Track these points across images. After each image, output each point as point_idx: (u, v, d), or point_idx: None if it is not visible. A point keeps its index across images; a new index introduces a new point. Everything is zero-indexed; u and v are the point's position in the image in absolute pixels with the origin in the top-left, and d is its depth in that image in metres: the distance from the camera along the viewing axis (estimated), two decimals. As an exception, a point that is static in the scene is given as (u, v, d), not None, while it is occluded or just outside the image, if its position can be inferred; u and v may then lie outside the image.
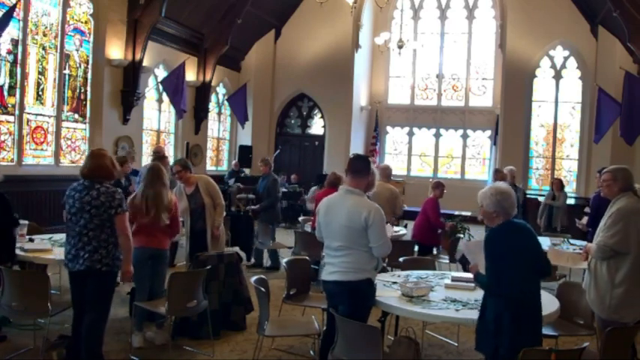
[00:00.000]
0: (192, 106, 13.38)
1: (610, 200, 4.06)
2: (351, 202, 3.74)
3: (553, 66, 15.02)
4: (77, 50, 10.19)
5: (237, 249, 7.53)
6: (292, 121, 16.53)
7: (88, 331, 3.96)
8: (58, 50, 9.72)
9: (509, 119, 14.72)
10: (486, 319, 3.27)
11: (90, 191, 3.88)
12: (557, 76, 15.02)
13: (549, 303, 3.96)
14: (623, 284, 3.82)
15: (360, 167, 3.84)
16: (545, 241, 6.47)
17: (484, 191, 3.43)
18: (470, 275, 4.50)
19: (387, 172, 7.62)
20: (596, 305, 3.99)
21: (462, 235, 9.15)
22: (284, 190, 13.30)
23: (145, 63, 11.07)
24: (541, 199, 13.40)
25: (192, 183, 5.90)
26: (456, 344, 5.22)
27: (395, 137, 17.03)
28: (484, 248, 3.31)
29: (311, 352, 4.80)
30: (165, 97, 12.06)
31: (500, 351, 3.19)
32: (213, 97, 14.65)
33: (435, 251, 7.64)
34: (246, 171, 14.57)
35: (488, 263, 3.28)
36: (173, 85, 11.13)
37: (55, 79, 9.71)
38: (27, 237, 5.48)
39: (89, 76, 10.42)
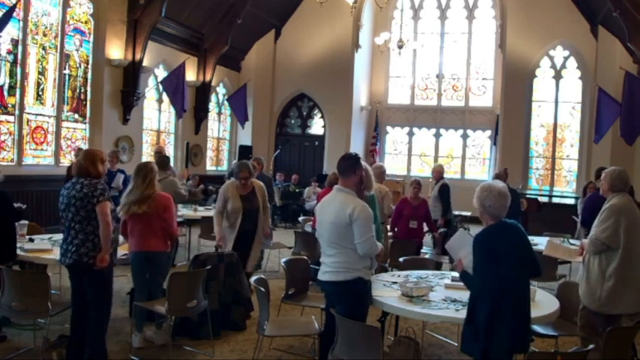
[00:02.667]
0: (192, 106, 13.39)
1: (602, 199, 4.27)
2: (339, 199, 3.78)
3: (553, 66, 15.02)
4: (77, 50, 10.19)
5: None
6: (292, 121, 16.53)
7: (92, 327, 4.10)
8: (58, 50, 9.73)
9: (509, 119, 14.71)
10: (476, 320, 3.23)
11: (75, 186, 4.09)
12: (557, 76, 15.02)
13: (549, 303, 3.97)
14: (613, 278, 3.99)
15: (344, 167, 3.88)
16: (544, 241, 6.46)
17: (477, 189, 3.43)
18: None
19: (376, 172, 7.50)
20: (587, 297, 4.11)
21: None
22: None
23: (145, 63, 11.07)
24: (542, 199, 13.48)
25: (250, 187, 5.92)
26: (456, 344, 5.22)
27: (395, 137, 17.03)
28: (473, 249, 3.28)
29: (311, 352, 4.80)
30: (165, 97, 12.07)
31: (492, 353, 3.16)
32: (213, 97, 14.66)
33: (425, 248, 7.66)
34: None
35: (478, 264, 3.25)
36: (173, 85, 11.13)
37: (55, 79, 9.72)
38: (27, 237, 5.48)
39: (89, 76, 10.43)
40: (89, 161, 4.17)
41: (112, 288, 4.38)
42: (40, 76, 9.43)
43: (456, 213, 10.58)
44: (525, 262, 3.30)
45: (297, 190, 13.71)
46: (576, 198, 13.99)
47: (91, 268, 4.04)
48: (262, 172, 8.56)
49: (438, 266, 6.51)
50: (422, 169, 16.66)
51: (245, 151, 14.67)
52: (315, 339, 4.46)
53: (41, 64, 9.44)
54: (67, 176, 7.91)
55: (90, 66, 10.43)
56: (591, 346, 3.29)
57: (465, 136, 16.36)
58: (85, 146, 10.46)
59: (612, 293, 3.97)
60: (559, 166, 15.22)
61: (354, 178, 3.84)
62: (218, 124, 15.38)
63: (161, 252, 4.81)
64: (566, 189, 15.10)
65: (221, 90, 15.29)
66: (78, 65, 10.22)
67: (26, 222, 5.68)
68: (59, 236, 5.80)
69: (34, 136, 9.43)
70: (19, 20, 8.84)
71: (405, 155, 16.86)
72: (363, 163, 4.04)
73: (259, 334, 4.26)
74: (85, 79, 10.39)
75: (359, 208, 3.67)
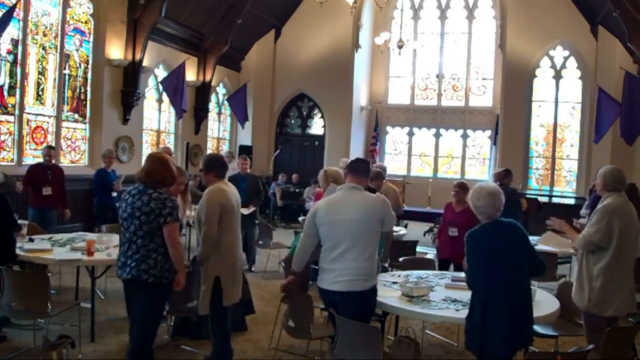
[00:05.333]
0: (192, 106, 13.38)
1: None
2: (361, 196, 3.71)
3: (553, 66, 15.01)
4: (77, 50, 10.19)
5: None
6: (292, 121, 16.52)
7: (133, 353, 3.80)
8: (58, 50, 9.72)
9: (509, 119, 14.71)
10: (474, 316, 3.30)
11: (142, 196, 3.70)
12: (557, 76, 15.01)
13: (549, 303, 3.98)
14: (600, 277, 3.94)
15: (362, 168, 3.84)
16: (545, 241, 6.48)
17: None
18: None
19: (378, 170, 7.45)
20: (578, 298, 4.10)
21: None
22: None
23: (145, 63, 11.07)
24: (542, 199, 13.48)
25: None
26: (456, 344, 5.22)
27: (395, 137, 17.02)
28: (465, 247, 3.38)
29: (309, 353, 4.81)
30: (165, 97, 12.06)
31: (488, 349, 3.21)
32: (213, 97, 14.65)
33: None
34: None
35: (468, 261, 3.36)
36: (173, 85, 11.12)
37: (55, 79, 9.71)
38: (27, 237, 5.48)
39: (89, 76, 10.42)
40: (164, 166, 3.81)
41: (163, 310, 4.02)
42: (40, 76, 9.42)
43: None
44: (521, 261, 3.30)
45: (297, 190, 13.72)
46: (576, 198, 14.02)
47: (150, 286, 3.71)
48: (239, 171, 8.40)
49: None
50: (422, 169, 16.67)
51: (245, 151, 14.66)
52: (312, 339, 4.46)
53: (41, 64, 9.44)
54: (26, 178, 7.44)
55: (90, 66, 10.42)
56: (591, 346, 3.29)
57: (465, 136, 16.35)
58: (85, 146, 10.47)
59: (600, 294, 3.93)
60: (559, 166, 15.21)
61: (365, 180, 3.87)
62: (218, 124, 15.37)
63: None
64: (566, 189, 15.09)
65: (221, 90, 15.28)
66: (78, 65, 10.22)
67: (26, 222, 5.68)
68: (59, 236, 5.83)
69: (34, 136, 9.42)
70: (19, 20, 8.84)
71: (405, 155, 16.86)
72: None
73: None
74: (85, 79, 10.38)
75: (387, 202, 3.81)
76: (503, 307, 3.19)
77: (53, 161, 7.88)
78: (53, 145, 9.08)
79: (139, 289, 3.73)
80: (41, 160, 7.93)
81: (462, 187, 6.23)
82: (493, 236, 3.30)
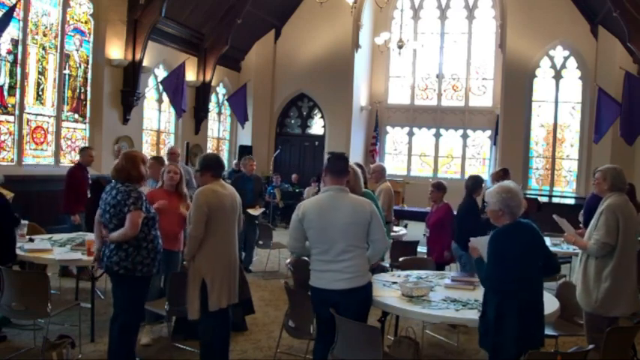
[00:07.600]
0: (192, 106, 13.38)
1: (599, 199, 4.23)
2: (350, 199, 3.68)
3: (553, 66, 15.01)
4: (77, 50, 10.19)
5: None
6: (292, 121, 16.52)
7: (116, 336, 4.00)
8: (58, 50, 9.72)
9: (509, 119, 14.71)
10: (487, 316, 3.28)
11: (111, 191, 3.92)
12: (557, 76, 15.01)
13: (549, 303, 3.96)
14: (609, 279, 3.95)
15: (340, 167, 3.74)
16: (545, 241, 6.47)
17: (490, 190, 3.46)
18: (470, 277, 4.52)
19: (379, 169, 7.20)
20: (583, 299, 4.10)
21: None
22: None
23: (145, 63, 11.07)
24: (542, 199, 13.49)
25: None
26: (456, 344, 5.22)
27: (395, 137, 17.02)
28: (488, 246, 3.32)
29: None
30: (165, 97, 12.07)
31: (501, 348, 3.20)
32: (213, 97, 14.65)
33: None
34: (246, 171, 14.54)
35: (492, 261, 3.29)
36: (173, 85, 11.13)
37: (55, 79, 9.72)
38: (27, 237, 5.48)
39: (89, 76, 10.42)
40: (131, 163, 3.95)
41: (142, 299, 4.12)
42: (40, 76, 9.42)
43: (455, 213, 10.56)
44: (537, 262, 3.32)
45: (297, 190, 13.72)
46: (576, 198, 14.02)
47: (120, 277, 3.89)
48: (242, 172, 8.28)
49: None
50: (422, 169, 16.67)
51: (245, 151, 14.67)
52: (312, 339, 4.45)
53: (41, 64, 9.44)
54: (70, 182, 7.28)
55: (90, 66, 10.43)
56: (591, 346, 3.29)
57: (465, 136, 16.35)
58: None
59: (608, 295, 3.94)
60: (559, 166, 15.22)
61: (346, 177, 3.81)
62: (218, 124, 15.37)
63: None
64: (566, 189, 15.09)
65: (221, 90, 15.28)
66: (78, 65, 10.22)
67: (26, 222, 5.68)
68: (59, 236, 5.83)
69: (34, 136, 9.43)
70: (19, 20, 8.84)
71: (405, 155, 16.86)
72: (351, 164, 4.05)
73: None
74: (85, 79, 10.39)
75: (372, 205, 3.71)
76: (517, 307, 3.19)
77: None
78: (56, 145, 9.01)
79: (115, 282, 3.99)
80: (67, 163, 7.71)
81: (435, 187, 6.25)
82: (514, 236, 3.30)
